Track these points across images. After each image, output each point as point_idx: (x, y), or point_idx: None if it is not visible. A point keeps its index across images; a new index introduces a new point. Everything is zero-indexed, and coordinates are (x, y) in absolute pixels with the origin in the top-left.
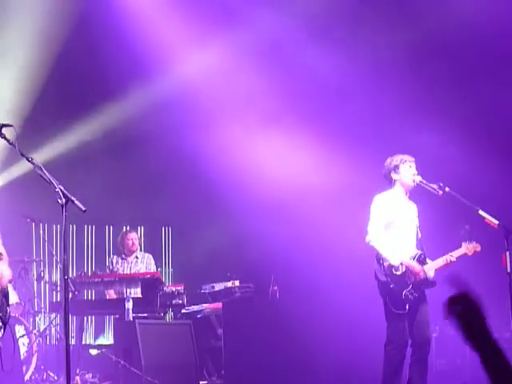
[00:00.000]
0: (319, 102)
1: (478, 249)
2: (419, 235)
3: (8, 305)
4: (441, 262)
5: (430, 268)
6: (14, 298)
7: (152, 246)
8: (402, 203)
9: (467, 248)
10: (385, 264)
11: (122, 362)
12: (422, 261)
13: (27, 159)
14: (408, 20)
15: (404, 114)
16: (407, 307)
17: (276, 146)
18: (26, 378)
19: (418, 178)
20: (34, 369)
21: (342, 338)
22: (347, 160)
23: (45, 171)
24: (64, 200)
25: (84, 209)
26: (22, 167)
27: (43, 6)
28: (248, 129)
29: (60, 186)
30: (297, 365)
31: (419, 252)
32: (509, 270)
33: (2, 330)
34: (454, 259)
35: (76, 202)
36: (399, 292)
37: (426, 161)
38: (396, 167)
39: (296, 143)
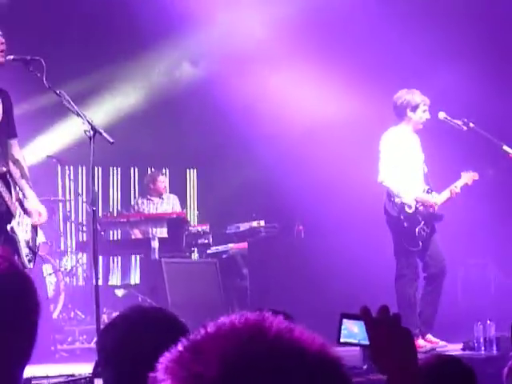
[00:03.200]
0: (334, 35)
1: (476, 177)
2: (425, 169)
3: (36, 235)
4: (447, 193)
5: (439, 201)
6: (40, 237)
7: (177, 188)
8: (410, 139)
9: (467, 177)
10: (396, 201)
11: (148, 301)
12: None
13: (55, 92)
14: None
15: (422, 50)
16: (421, 244)
17: (301, 84)
18: (54, 315)
19: (442, 115)
20: (62, 307)
21: (364, 275)
22: (366, 95)
23: (73, 104)
24: (92, 132)
25: (112, 140)
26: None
27: None
28: (268, 69)
29: (88, 119)
30: (320, 303)
31: (427, 187)
32: None
33: (33, 262)
34: (458, 190)
35: (104, 133)
36: (412, 229)
37: (446, 98)
38: (416, 107)
39: (320, 80)
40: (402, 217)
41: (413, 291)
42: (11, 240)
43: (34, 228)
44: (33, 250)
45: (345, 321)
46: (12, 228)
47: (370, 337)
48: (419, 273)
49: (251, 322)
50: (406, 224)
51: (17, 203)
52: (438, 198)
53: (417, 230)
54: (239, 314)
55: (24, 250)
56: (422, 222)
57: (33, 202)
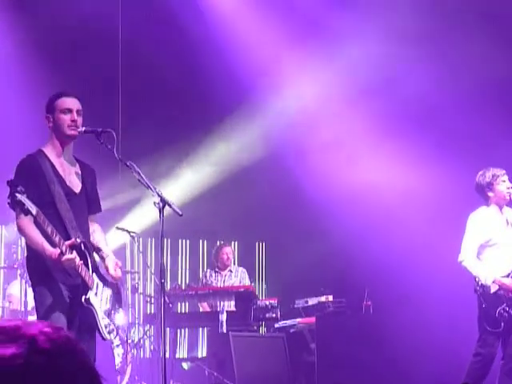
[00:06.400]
0: (418, 115)
1: None
2: None
3: (117, 310)
4: None
5: None
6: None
7: (246, 261)
8: (499, 219)
9: None
10: (478, 281)
11: (215, 374)
12: None
13: (125, 164)
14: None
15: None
16: (502, 325)
17: (368, 161)
18: None
19: None
20: (129, 379)
21: (437, 353)
22: (446, 172)
23: (143, 176)
24: (161, 204)
25: (180, 213)
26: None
27: None
28: (343, 145)
29: (158, 191)
30: (390, 380)
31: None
32: None
33: (115, 334)
34: None
35: (173, 206)
36: (493, 310)
37: None
38: (490, 185)
39: (390, 156)
40: (482, 298)
41: (482, 372)
42: (88, 312)
43: (118, 301)
44: (114, 322)
45: None
46: (87, 299)
47: None
48: (496, 353)
49: None
50: (484, 305)
51: (94, 275)
52: None
53: (498, 310)
54: None
55: (102, 322)
56: (505, 303)
57: (111, 256)
